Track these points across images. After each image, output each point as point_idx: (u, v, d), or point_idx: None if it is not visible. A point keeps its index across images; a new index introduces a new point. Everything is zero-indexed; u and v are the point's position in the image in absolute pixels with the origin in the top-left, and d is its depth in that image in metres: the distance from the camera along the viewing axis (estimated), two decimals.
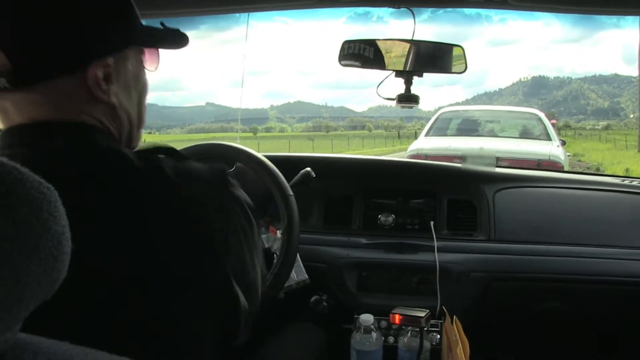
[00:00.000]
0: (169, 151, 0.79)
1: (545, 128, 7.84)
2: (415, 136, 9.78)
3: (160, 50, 0.87)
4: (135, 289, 0.67)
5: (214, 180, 0.80)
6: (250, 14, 2.01)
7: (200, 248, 0.73)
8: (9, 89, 0.69)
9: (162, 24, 0.83)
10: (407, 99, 1.57)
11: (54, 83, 0.70)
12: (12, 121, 0.72)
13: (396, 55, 1.58)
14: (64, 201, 0.62)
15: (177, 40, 0.85)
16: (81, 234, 0.60)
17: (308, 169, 1.55)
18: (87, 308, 0.64)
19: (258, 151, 1.54)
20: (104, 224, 0.67)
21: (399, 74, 1.57)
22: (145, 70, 0.84)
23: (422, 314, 1.44)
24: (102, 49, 0.73)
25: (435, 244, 1.74)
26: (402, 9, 1.52)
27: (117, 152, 0.73)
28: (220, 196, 0.79)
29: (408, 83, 1.57)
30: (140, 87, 0.82)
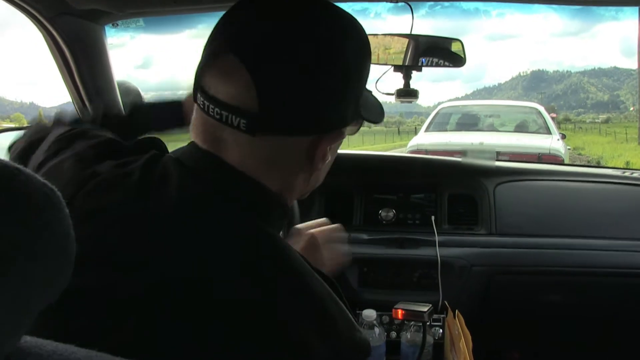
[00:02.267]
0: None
1: (545, 122, 7.85)
2: (415, 132, 9.78)
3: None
4: None
5: (313, 309, 0.65)
6: None
7: None
8: (243, 131, 0.63)
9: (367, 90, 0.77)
10: (407, 93, 1.56)
11: (285, 139, 0.66)
12: (220, 152, 0.66)
13: (395, 50, 1.58)
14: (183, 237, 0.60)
15: (379, 114, 0.78)
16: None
17: None
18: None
19: None
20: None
21: (397, 68, 1.56)
22: None
23: (425, 309, 1.44)
24: (342, 122, 0.69)
25: (437, 238, 1.74)
26: (400, 3, 1.52)
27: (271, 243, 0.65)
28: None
29: (407, 78, 1.56)
30: (335, 155, 0.77)
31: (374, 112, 0.76)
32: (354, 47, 0.68)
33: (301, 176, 0.71)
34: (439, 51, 1.60)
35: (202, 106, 0.66)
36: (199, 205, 0.64)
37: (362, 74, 0.70)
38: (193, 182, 0.65)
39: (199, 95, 0.67)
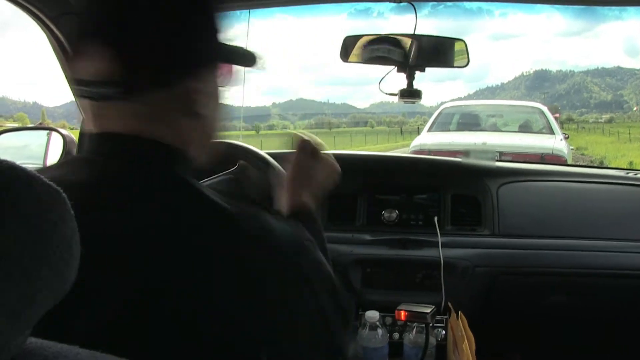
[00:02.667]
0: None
1: (548, 122, 7.84)
2: (418, 132, 9.78)
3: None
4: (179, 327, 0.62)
5: (289, 250, 0.75)
6: (251, 11, 2.01)
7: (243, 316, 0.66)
8: (117, 98, 0.69)
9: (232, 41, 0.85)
10: (410, 94, 1.56)
11: (158, 94, 0.71)
12: (107, 127, 0.72)
13: (398, 51, 1.58)
14: (127, 218, 0.64)
15: (250, 59, 0.84)
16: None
17: None
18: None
19: (260, 149, 1.53)
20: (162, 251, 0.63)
21: (401, 69, 1.56)
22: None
23: (428, 310, 1.44)
24: (203, 64, 0.75)
25: (440, 239, 1.74)
26: (403, 3, 1.52)
27: (200, 197, 0.70)
28: (291, 271, 0.73)
29: (410, 78, 1.56)
30: (221, 102, 0.82)
31: (241, 57, 0.83)
32: None
33: (188, 124, 0.74)
34: (442, 51, 1.59)
35: (85, 94, 0.72)
36: (113, 185, 0.69)
37: (208, 17, 0.75)
38: (93, 169, 0.71)
39: (79, 86, 0.73)
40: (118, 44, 0.69)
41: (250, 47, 0.85)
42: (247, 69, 0.88)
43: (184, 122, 0.74)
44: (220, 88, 0.81)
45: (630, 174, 1.97)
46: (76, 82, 0.73)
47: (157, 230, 0.64)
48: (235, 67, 0.87)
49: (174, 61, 0.71)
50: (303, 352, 0.72)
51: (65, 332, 0.46)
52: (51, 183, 0.40)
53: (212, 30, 0.76)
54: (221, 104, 0.82)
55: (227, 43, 0.80)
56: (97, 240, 0.57)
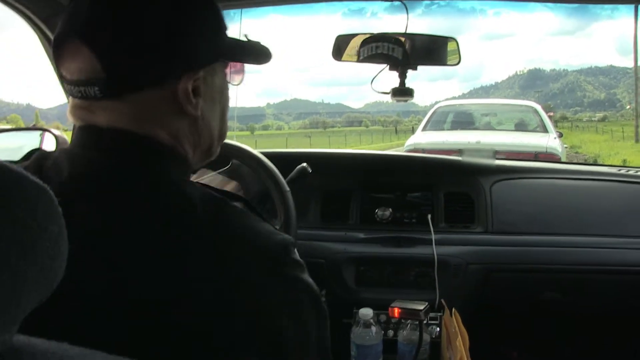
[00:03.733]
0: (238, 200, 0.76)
1: (541, 120, 7.86)
2: (413, 131, 9.78)
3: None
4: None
5: (274, 254, 0.70)
6: (244, 11, 2.01)
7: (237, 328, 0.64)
8: (100, 97, 0.69)
9: (246, 36, 0.83)
10: (402, 92, 1.57)
11: (144, 94, 0.70)
12: (91, 122, 0.72)
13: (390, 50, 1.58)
14: (101, 208, 0.66)
15: (261, 54, 0.84)
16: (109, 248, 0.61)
17: (304, 164, 1.55)
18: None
19: (255, 149, 1.54)
20: (139, 248, 0.64)
21: (393, 67, 1.56)
22: (229, 85, 0.83)
23: (421, 307, 1.44)
24: (193, 63, 0.73)
25: (433, 237, 1.74)
26: (396, 2, 1.52)
27: (177, 191, 0.69)
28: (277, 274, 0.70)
29: (402, 76, 1.56)
30: (223, 101, 0.81)
31: (244, 54, 0.82)
32: None
33: (179, 123, 0.74)
34: (434, 50, 1.60)
35: (70, 93, 0.72)
36: (92, 178, 0.69)
37: (199, 14, 0.74)
38: (75, 162, 0.70)
39: (64, 85, 0.73)
40: (97, 44, 0.68)
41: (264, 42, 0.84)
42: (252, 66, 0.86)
43: (175, 121, 0.73)
44: (222, 88, 0.80)
45: (623, 171, 1.98)
46: (61, 80, 0.74)
47: (133, 223, 0.65)
48: (246, 65, 0.87)
49: (157, 62, 0.70)
50: None
51: (41, 326, 0.46)
52: (38, 180, 0.40)
53: (206, 28, 0.75)
54: (222, 104, 0.81)
55: (234, 40, 0.80)
56: (73, 233, 0.58)
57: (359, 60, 1.57)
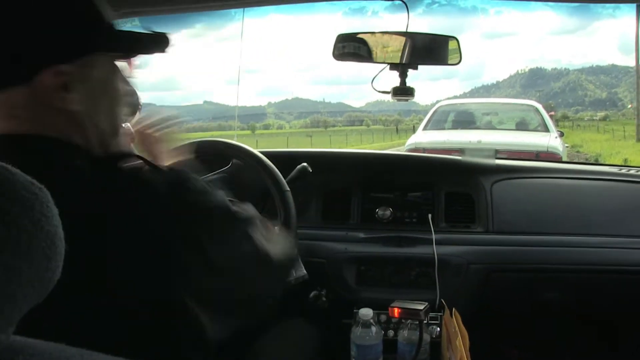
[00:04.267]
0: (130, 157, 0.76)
1: (542, 119, 7.86)
2: (414, 130, 9.78)
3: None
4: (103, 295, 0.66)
5: (165, 190, 0.74)
6: (246, 11, 2.00)
7: (147, 266, 0.70)
8: None
9: (148, 29, 0.81)
10: (402, 91, 1.56)
11: (10, 94, 0.69)
12: None
13: (391, 49, 1.58)
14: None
15: (156, 43, 0.80)
16: None
17: (304, 164, 1.55)
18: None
19: (256, 149, 1.54)
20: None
21: (393, 66, 1.56)
22: (121, 77, 0.81)
23: (421, 307, 1.44)
24: (54, 57, 0.70)
25: (434, 236, 1.74)
26: (396, 1, 1.52)
27: (67, 166, 0.70)
28: (170, 207, 0.74)
29: (403, 76, 1.56)
30: (111, 94, 0.79)
31: (130, 44, 0.80)
32: None
33: (57, 118, 0.73)
34: (435, 49, 1.60)
35: None
36: None
37: (59, 7, 0.71)
38: None
39: None
40: None
41: (159, 30, 0.80)
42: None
43: (52, 116, 0.72)
44: (105, 81, 0.77)
45: (624, 171, 1.97)
46: None
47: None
48: (136, 56, 0.84)
49: (11, 61, 0.68)
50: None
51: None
52: (34, 180, 0.40)
53: (71, 22, 0.72)
54: (109, 97, 0.79)
55: (117, 31, 0.77)
56: None
57: (359, 60, 1.57)
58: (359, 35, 1.58)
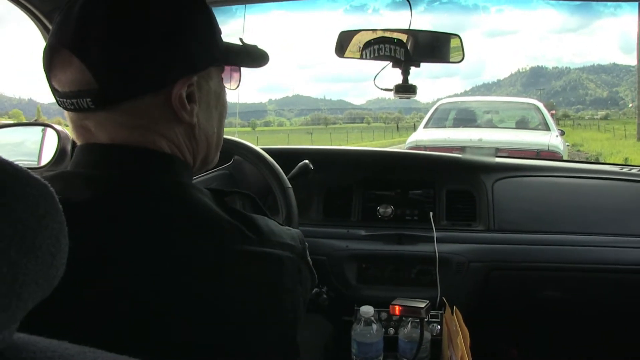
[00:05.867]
0: (246, 198, 0.77)
1: (543, 118, 7.86)
2: (414, 128, 9.79)
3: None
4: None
5: (294, 244, 0.76)
6: (247, 7, 2.00)
7: (270, 318, 0.69)
8: (93, 109, 0.68)
9: (241, 40, 0.83)
10: (405, 89, 1.56)
11: (137, 103, 0.69)
12: (91, 139, 0.71)
13: (394, 46, 1.58)
14: (119, 229, 0.65)
15: (257, 57, 0.83)
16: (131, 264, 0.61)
17: (306, 161, 1.55)
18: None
19: (257, 146, 1.54)
20: (160, 264, 0.64)
21: (396, 64, 1.56)
22: (226, 90, 0.82)
23: (422, 305, 1.44)
24: (186, 68, 0.72)
25: (435, 234, 1.74)
26: None
27: (189, 198, 0.70)
28: (299, 262, 0.75)
29: (405, 73, 1.56)
30: (220, 107, 0.80)
31: (239, 57, 0.82)
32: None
33: (176, 130, 0.73)
34: (438, 46, 1.59)
35: (62, 105, 0.71)
36: (107, 200, 0.67)
37: (184, 22, 0.72)
38: (85, 184, 0.69)
39: (56, 98, 0.72)
40: (87, 54, 0.67)
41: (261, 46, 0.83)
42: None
43: (172, 129, 0.73)
44: (218, 93, 0.79)
45: (625, 170, 1.97)
46: (54, 93, 0.72)
47: (148, 238, 0.64)
48: (241, 68, 0.85)
49: (147, 69, 0.69)
50: None
51: (51, 328, 0.46)
52: (38, 177, 0.40)
53: (199, 33, 0.73)
54: (219, 110, 0.80)
55: (228, 44, 0.78)
56: (97, 253, 0.60)
57: (361, 57, 1.57)
58: (361, 33, 1.58)
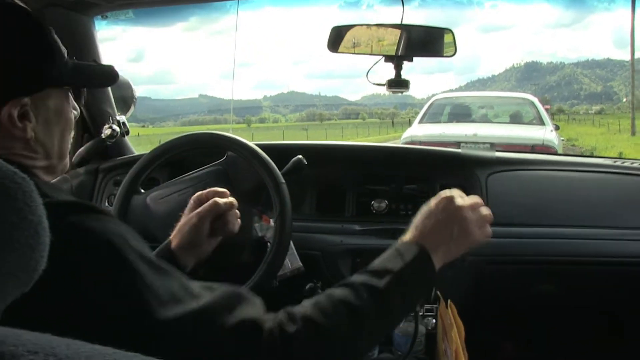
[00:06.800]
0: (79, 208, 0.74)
1: (538, 113, 7.88)
2: (409, 124, 9.80)
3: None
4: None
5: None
6: (240, 3, 2.00)
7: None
8: None
9: (94, 61, 0.87)
10: (397, 84, 1.56)
11: None
12: None
13: (386, 41, 1.58)
14: None
15: (103, 77, 0.90)
16: None
17: (299, 156, 1.55)
18: None
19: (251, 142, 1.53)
20: None
21: (388, 58, 1.56)
22: (73, 105, 0.88)
23: None
24: (16, 91, 0.77)
25: None
26: None
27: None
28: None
29: (398, 68, 1.56)
30: (63, 122, 0.86)
31: (81, 78, 0.88)
32: None
33: (12, 144, 0.79)
34: (430, 41, 1.59)
35: None
36: None
37: (11, 49, 0.77)
38: None
39: None
40: None
41: (106, 62, 0.89)
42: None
43: (8, 142, 0.78)
44: (58, 111, 0.84)
45: (619, 163, 1.98)
46: None
47: None
48: (85, 88, 0.91)
49: None
50: None
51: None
52: (17, 170, 0.40)
53: (29, 59, 0.78)
54: (61, 126, 0.85)
55: (71, 64, 0.84)
56: None
57: (354, 52, 1.57)
58: (354, 28, 1.58)
